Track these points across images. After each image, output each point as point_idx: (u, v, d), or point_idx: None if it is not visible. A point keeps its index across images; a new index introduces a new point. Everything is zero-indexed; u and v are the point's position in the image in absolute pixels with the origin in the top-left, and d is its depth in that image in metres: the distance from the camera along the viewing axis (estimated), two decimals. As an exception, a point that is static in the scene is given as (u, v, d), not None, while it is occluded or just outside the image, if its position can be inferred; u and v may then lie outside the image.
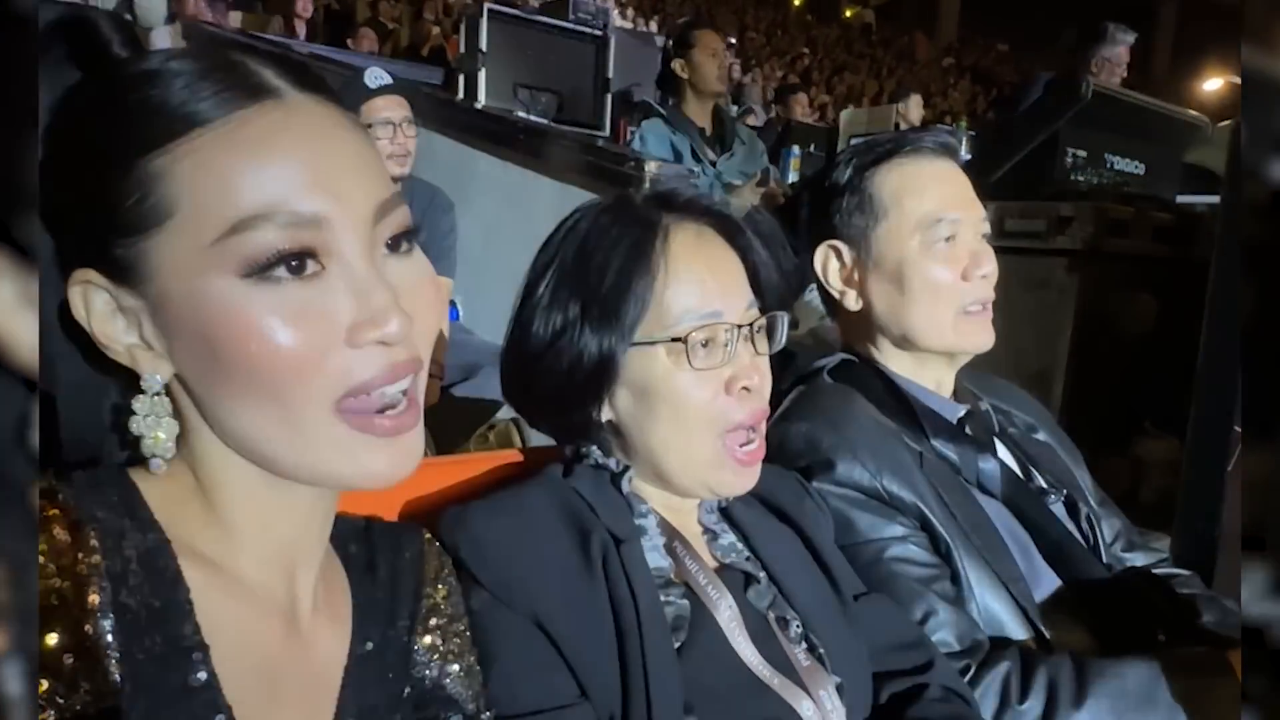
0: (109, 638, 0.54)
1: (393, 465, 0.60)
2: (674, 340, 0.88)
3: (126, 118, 0.55)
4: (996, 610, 1.12)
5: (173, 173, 0.55)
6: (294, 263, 0.55)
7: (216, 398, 0.58)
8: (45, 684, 0.50)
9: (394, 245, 0.60)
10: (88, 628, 0.53)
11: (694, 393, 0.89)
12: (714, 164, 3.45)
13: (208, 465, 0.62)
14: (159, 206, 0.55)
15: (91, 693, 0.52)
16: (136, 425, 0.59)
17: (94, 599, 0.54)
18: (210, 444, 0.61)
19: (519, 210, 3.27)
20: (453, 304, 3.04)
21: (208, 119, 0.55)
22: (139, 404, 0.59)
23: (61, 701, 0.51)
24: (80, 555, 0.54)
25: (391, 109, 2.59)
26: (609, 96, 4.37)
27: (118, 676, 0.53)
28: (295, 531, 0.65)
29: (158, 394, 0.59)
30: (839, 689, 0.90)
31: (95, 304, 0.57)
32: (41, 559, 0.52)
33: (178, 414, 0.61)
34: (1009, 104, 5.10)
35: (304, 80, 0.60)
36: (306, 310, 0.55)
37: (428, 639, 0.75)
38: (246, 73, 0.58)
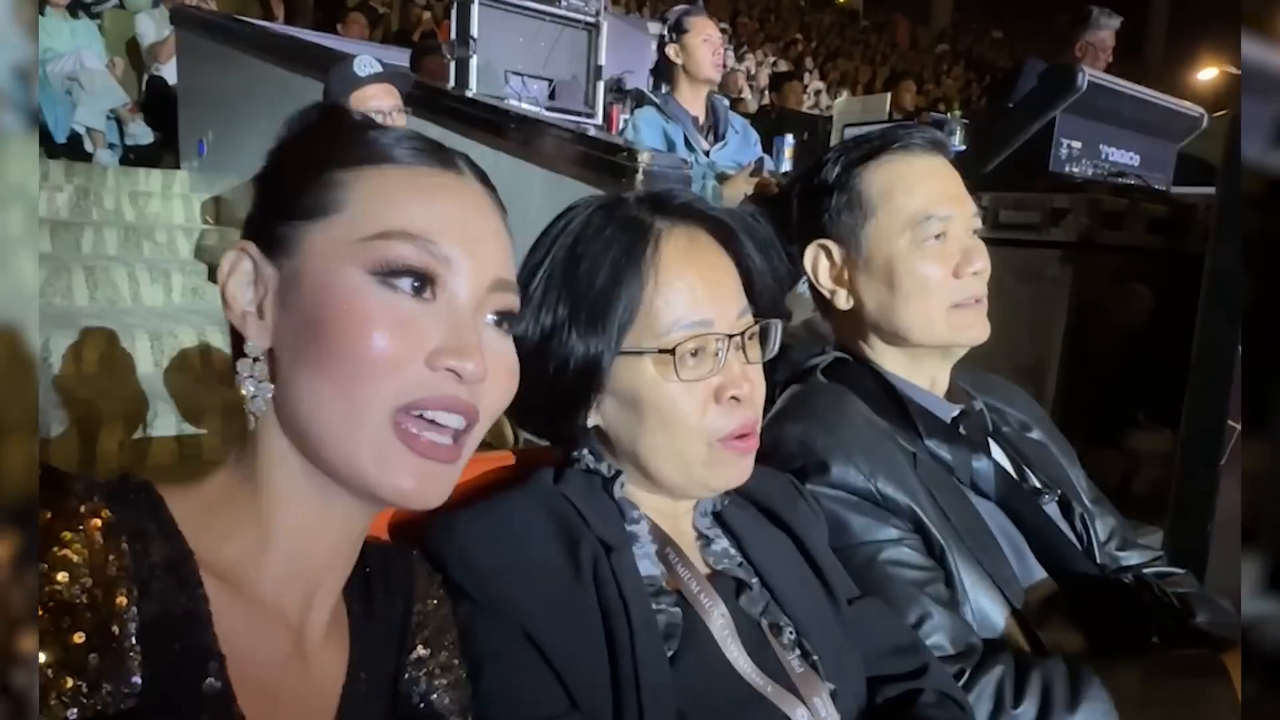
0: (133, 640, 0.55)
1: (418, 488, 0.65)
2: (662, 351, 0.87)
3: (342, 140, 0.68)
4: (990, 612, 1.11)
5: (358, 183, 0.66)
6: (417, 282, 0.64)
7: (296, 374, 0.64)
8: (70, 681, 0.52)
9: (498, 321, 0.69)
10: (114, 628, 0.55)
11: (682, 403, 0.87)
12: (707, 153, 3.41)
13: (264, 460, 0.66)
14: (333, 202, 0.65)
15: (113, 693, 0.54)
16: (239, 382, 0.66)
17: (122, 600, 0.56)
18: (273, 437, 0.66)
19: (510, 200, 3.23)
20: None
21: (400, 160, 0.68)
22: (241, 365, 0.66)
23: (85, 700, 0.53)
24: (111, 557, 0.56)
25: (381, 97, 2.56)
26: (601, 84, 4.34)
27: (139, 679, 0.55)
28: (326, 551, 0.69)
29: (257, 359, 0.66)
30: (833, 695, 0.89)
31: (240, 269, 0.67)
32: (77, 558, 0.55)
33: None
34: (1000, 91, 5.08)
35: (482, 175, 0.73)
36: (407, 322, 0.63)
37: (417, 652, 0.75)
38: (446, 151, 0.71)
